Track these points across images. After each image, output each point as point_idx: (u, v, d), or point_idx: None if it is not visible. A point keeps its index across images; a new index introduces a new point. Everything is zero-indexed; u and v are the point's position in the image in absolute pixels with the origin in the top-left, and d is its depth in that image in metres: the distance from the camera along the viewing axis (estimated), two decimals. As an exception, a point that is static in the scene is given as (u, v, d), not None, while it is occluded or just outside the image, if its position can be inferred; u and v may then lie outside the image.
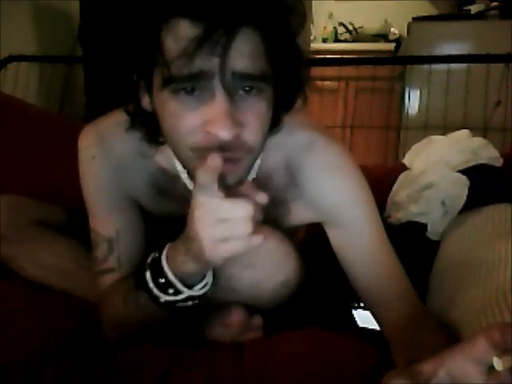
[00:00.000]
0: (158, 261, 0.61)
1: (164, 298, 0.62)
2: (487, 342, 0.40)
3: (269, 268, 0.69)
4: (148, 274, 0.62)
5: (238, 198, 0.52)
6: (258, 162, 0.71)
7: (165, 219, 0.79)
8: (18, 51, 1.93)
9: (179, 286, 0.61)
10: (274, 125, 0.66)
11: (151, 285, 0.62)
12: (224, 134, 0.54)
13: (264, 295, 0.70)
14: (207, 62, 0.53)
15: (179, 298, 0.62)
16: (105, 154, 0.74)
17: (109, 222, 0.75)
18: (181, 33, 0.53)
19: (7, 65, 1.93)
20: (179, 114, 0.57)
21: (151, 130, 0.65)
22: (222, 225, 0.52)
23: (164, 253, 0.61)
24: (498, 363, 0.40)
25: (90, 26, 1.83)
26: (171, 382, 0.62)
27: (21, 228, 0.91)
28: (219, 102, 0.55)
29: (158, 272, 0.61)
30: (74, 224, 0.97)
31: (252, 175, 0.71)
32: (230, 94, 0.55)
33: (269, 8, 0.55)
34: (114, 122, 0.73)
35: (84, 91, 1.97)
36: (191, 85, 0.55)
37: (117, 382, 0.62)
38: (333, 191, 0.71)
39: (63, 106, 2.12)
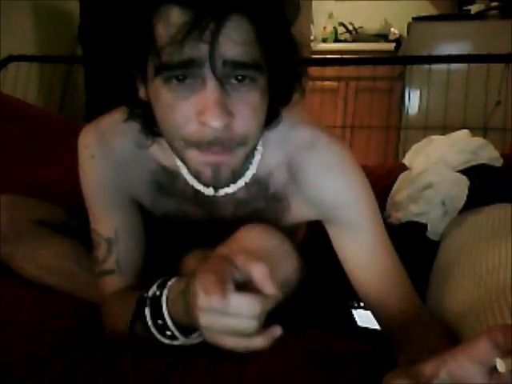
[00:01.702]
0: (158, 300, 0.60)
1: (161, 339, 0.62)
2: (490, 343, 0.40)
3: (268, 268, 0.68)
4: (147, 312, 0.62)
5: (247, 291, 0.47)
6: (259, 157, 0.71)
7: (165, 219, 0.79)
8: (18, 51, 1.93)
9: (176, 333, 0.60)
10: (272, 118, 0.66)
11: (150, 323, 0.62)
12: (215, 123, 0.54)
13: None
14: (197, 50, 0.53)
15: (175, 343, 0.62)
16: (104, 153, 0.74)
17: (108, 222, 0.75)
18: (171, 20, 0.53)
19: (7, 65, 1.93)
20: (171, 103, 0.57)
21: (148, 120, 0.65)
22: (224, 318, 0.46)
23: (165, 294, 0.60)
24: (501, 365, 0.39)
25: (89, 25, 1.83)
26: (171, 382, 0.62)
27: (21, 228, 0.91)
28: (210, 91, 0.54)
29: (157, 312, 0.60)
30: (74, 224, 0.97)
31: (252, 171, 0.71)
32: (222, 83, 0.55)
33: None
34: (115, 121, 0.73)
35: (84, 91, 1.97)
36: (182, 73, 0.55)
37: (117, 381, 0.62)
38: (334, 189, 0.71)
39: (63, 106, 2.12)
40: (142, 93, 0.63)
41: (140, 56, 0.58)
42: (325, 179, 0.70)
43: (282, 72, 0.62)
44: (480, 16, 2.54)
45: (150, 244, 0.79)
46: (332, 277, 0.82)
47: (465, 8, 2.68)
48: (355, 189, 0.72)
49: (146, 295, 0.63)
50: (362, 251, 0.72)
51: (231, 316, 0.46)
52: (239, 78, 0.56)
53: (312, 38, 3.26)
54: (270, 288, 0.46)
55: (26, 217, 0.92)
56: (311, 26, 3.10)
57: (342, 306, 1.01)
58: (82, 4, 1.92)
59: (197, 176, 0.63)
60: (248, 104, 0.58)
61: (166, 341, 0.62)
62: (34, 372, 0.62)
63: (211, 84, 0.54)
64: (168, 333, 0.61)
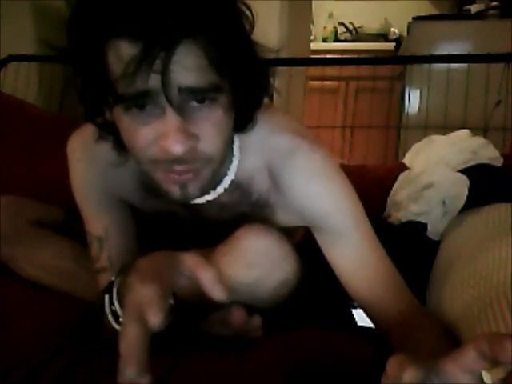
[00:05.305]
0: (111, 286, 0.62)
1: (115, 326, 0.61)
2: (476, 352, 0.39)
3: (268, 268, 0.69)
4: (106, 299, 0.62)
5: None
6: (236, 163, 0.70)
7: (156, 216, 0.79)
8: (17, 51, 1.93)
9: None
10: (246, 122, 0.66)
11: (108, 310, 0.62)
12: (176, 148, 0.55)
13: (263, 295, 0.70)
14: (150, 81, 0.53)
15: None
16: (90, 158, 0.75)
17: (97, 222, 0.77)
18: (121, 53, 0.53)
19: (7, 65, 1.93)
20: (133, 129, 0.57)
21: (117, 139, 0.65)
22: None
23: (118, 280, 0.61)
24: (486, 376, 0.38)
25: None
26: (172, 381, 0.62)
27: (20, 229, 0.91)
28: (169, 118, 0.55)
29: (111, 298, 0.61)
30: (73, 224, 0.97)
31: (230, 177, 0.71)
32: (180, 109, 0.55)
33: (207, 20, 0.54)
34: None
35: (84, 91, 1.96)
36: (140, 102, 0.55)
37: (117, 381, 0.62)
38: (316, 198, 0.70)
39: (63, 106, 2.12)
40: (108, 115, 0.63)
41: (99, 85, 0.58)
42: (306, 188, 0.69)
43: (245, 84, 0.61)
44: (480, 16, 2.55)
45: (143, 241, 0.80)
46: (332, 276, 0.82)
47: (465, 8, 2.69)
48: (338, 197, 0.71)
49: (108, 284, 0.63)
50: (350, 257, 0.71)
51: None
52: (199, 99, 0.56)
53: (312, 37, 3.26)
54: (218, 293, 0.47)
55: (25, 217, 0.92)
56: (311, 26, 3.10)
57: (342, 305, 1.00)
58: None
59: (167, 193, 0.63)
60: (211, 123, 0.58)
61: (118, 327, 0.61)
62: (34, 372, 0.62)
63: (170, 111, 0.55)
64: (121, 319, 0.60)
